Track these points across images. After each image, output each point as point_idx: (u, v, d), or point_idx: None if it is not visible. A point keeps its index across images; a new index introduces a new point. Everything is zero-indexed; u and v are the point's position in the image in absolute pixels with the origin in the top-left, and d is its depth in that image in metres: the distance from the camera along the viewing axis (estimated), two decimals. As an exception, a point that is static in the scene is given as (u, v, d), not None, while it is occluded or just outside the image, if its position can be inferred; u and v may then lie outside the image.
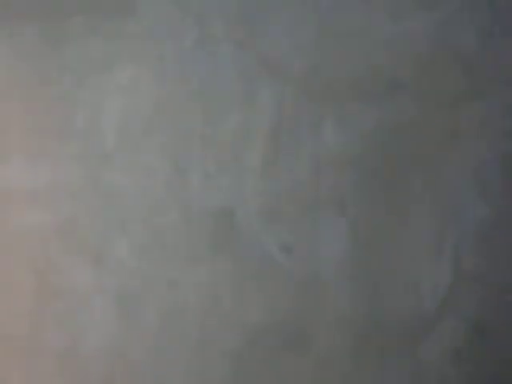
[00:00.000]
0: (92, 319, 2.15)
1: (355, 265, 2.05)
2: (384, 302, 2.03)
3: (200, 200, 2.14)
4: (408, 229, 2.03)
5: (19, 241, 2.21)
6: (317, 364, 2.05)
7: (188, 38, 2.17)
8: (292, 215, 2.10)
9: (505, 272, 1.98)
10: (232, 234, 2.12)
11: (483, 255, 1.99)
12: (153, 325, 2.13)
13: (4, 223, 2.21)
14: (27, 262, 2.20)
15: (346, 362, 2.03)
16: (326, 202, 2.08)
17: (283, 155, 2.11)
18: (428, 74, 2.05)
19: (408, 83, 2.06)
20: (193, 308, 2.12)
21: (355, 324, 2.04)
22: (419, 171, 2.04)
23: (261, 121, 2.13)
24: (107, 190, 2.18)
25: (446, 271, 2.01)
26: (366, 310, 2.04)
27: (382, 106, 2.06)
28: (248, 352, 2.08)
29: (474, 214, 2.01)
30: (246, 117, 2.13)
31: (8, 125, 2.24)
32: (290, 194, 2.10)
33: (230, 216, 2.12)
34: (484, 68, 2.03)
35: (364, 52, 2.08)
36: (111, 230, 2.17)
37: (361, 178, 2.07)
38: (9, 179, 2.22)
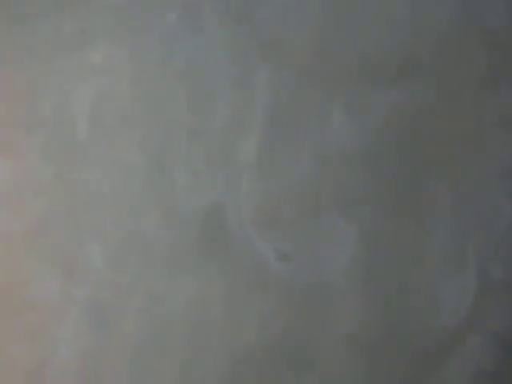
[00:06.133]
0: (63, 332, 2.17)
1: (364, 275, 2.01)
2: (398, 317, 1.98)
3: (186, 201, 2.13)
4: (425, 234, 1.98)
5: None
6: (320, 387, 2.08)
7: (172, 10, 2.18)
8: (291, 218, 2.07)
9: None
10: (222, 240, 2.11)
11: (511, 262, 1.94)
12: (131, 339, 2.14)
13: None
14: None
15: (353, 386, 2.06)
16: (329, 204, 2.05)
17: (282, 149, 2.09)
18: (448, 56, 2.00)
19: (426, 66, 2.02)
20: (178, 323, 2.12)
21: (365, 343, 1.99)
22: (438, 169, 1.99)
23: (256, 109, 2.11)
24: (79, 188, 2.20)
25: (470, 281, 1.95)
26: (377, 326, 1.99)
27: (396, 93, 2.02)
28: (240, 373, 2.07)
29: (500, 217, 1.94)
30: (239, 104, 2.12)
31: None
32: (288, 194, 2.08)
33: (221, 219, 2.11)
34: (513, 48, 2.03)
35: (376, 29, 2.05)
36: (84, 234, 2.18)
37: (370, 177, 2.03)
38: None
